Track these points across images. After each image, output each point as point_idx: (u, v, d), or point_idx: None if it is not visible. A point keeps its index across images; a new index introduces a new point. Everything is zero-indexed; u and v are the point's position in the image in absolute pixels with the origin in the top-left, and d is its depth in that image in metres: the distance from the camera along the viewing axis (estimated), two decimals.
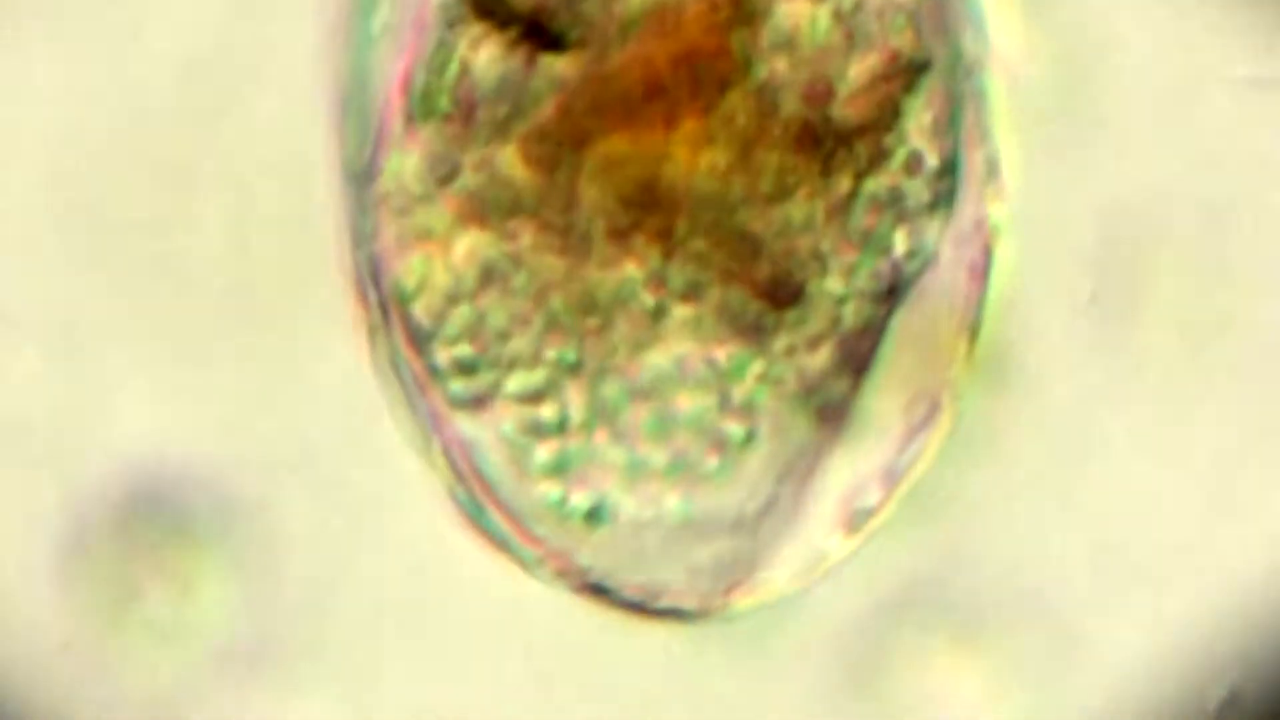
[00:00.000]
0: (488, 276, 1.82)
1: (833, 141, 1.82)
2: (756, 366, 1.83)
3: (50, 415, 1.87)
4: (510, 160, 1.82)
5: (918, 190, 1.84)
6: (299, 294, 1.87)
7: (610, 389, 1.83)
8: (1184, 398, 1.87)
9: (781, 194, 1.82)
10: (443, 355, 1.84)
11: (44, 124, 1.88)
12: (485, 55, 1.82)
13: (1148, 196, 1.87)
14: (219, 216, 1.87)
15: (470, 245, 1.82)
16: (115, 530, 1.88)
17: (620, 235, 1.81)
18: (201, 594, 1.88)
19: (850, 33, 1.82)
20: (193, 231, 1.87)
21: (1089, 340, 1.87)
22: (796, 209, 1.82)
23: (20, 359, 1.88)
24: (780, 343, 1.83)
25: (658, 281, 1.82)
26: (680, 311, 1.82)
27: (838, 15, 1.82)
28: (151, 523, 1.88)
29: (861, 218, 1.83)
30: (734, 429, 1.84)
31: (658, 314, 1.82)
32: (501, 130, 1.81)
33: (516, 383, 1.84)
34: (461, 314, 1.83)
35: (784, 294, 1.83)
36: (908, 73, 1.83)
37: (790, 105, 1.81)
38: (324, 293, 1.86)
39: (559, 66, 1.81)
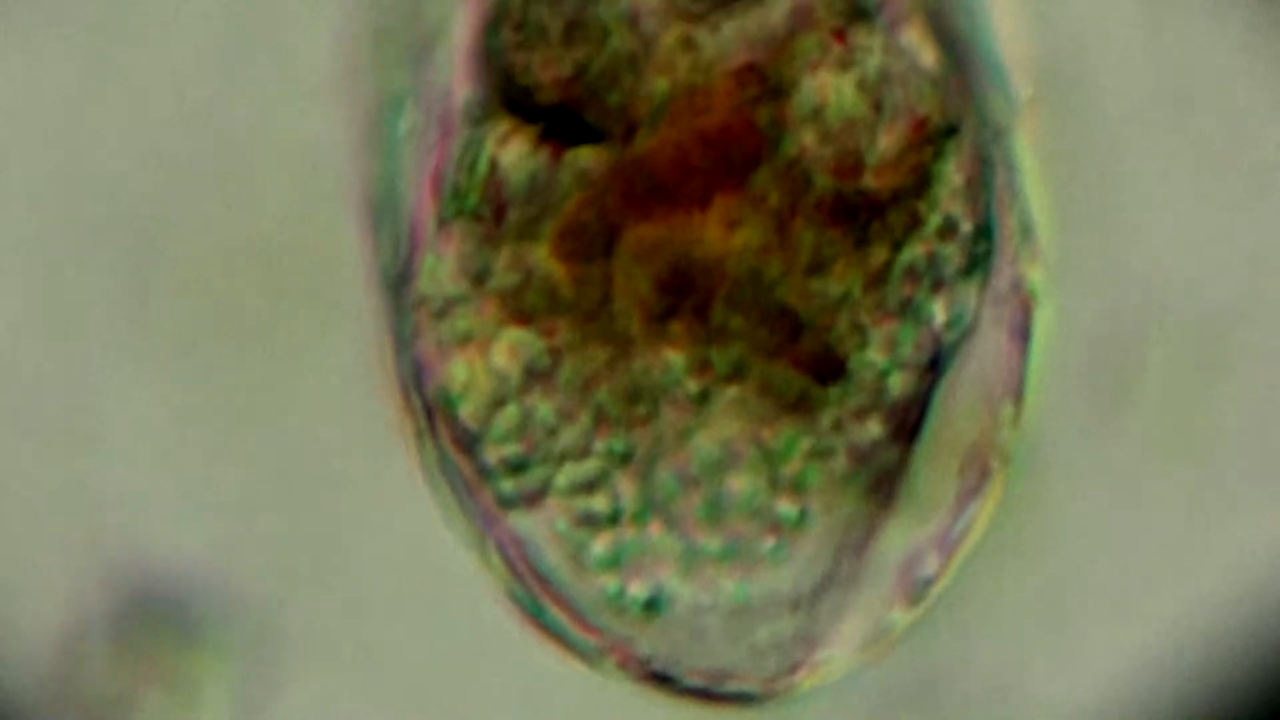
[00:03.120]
0: (531, 374, 1.82)
1: (866, 213, 1.82)
2: (804, 444, 1.83)
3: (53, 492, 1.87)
4: (543, 256, 1.81)
5: (953, 256, 1.83)
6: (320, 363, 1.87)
7: (661, 477, 1.83)
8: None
9: (818, 268, 1.81)
10: (491, 456, 1.83)
11: (44, 124, 1.88)
12: (513, 152, 1.82)
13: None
14: (222, 225, 1.87)
15: (511, 344, 1.82)
16: (112, 632, 1.87)
17: (658, 322, 1.81)
18: None
19: (877, 102, 1.82)
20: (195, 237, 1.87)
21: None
22: (834, 283, 1.81)
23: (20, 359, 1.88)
24: (826, 418, 1.83)
25: (701, 366, 1.81)
26: (725, 394, 1.82)
27: (863, 86, 1.82)
28: (159, 627, 1.87)
29: (899, 287, 1.83)
30: (786, 508, 1.83)
31: (703, 398, 1.82)
32: (532, 227, 1.81)
33: (567, 476, 1.83)
34: (508, 414, 1.82)
35: (827, 369, 1.82)
36: (936, 139, 1.83)
37: (821, 178, 1.81)
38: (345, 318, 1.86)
39: (586, 159, 1.81)
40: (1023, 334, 1.86)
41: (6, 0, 1.89)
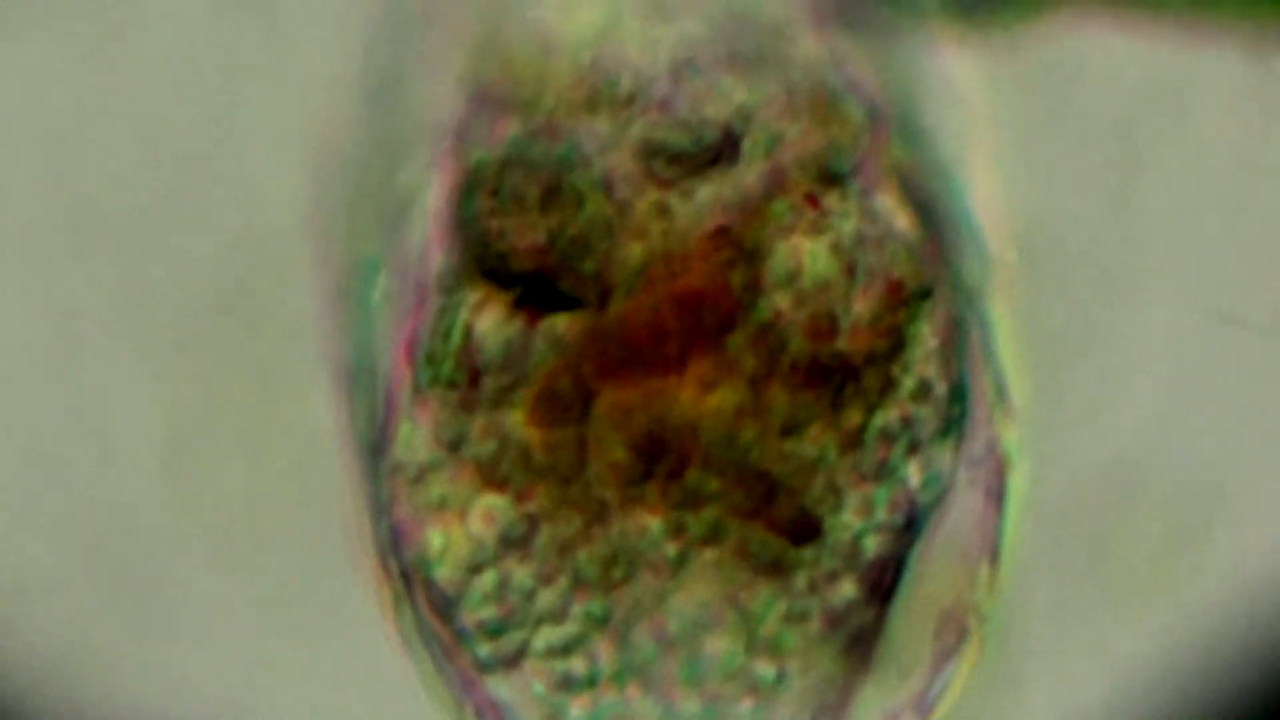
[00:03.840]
0: (507, 540, 1.82)
1: (840, 375, 1.82)
2: (781, 605, 1.83)
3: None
4: (518, 423, 1.82)
5: (928, 419, 1.84)
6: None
7: (639, 639, 1.83)
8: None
9: (793, 431, 1.82)
10: (468, 620, 1.84)
11: (44, 124, 1.88)
12: (488, 319, 1.82)
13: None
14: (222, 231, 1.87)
15: (487, 510, 1.82)
16: None
17: (634, 486, 1.81)
18: None
19: (851, 267, 1.82)
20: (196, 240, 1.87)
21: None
22: (809, 445, 1.82)
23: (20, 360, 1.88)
24: (801, 579, 1.83)
25: (677, 529, 1.82)
26: (702, 557, 1.82)
27: (837, 249, 1.82)
28: None
29: (874, 450, 1.83)
30: (764, 670, 1.84)
31: (680, 561, 1.82)
32: (507, 394, 1.82)
33: (544, 639, 1.84)
34: (485, 579, 1.83)
35: (802, 531, 1.83)
36: (911, 302, 1.83)
37: (796, 341, 1.82)
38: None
39: (561, 326, 1.82)
40: (998, 496, 1.87)
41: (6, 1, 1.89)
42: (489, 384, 1.82)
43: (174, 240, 1.87)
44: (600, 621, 1.83)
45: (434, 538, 1.83)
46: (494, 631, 1.84)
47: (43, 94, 1.88)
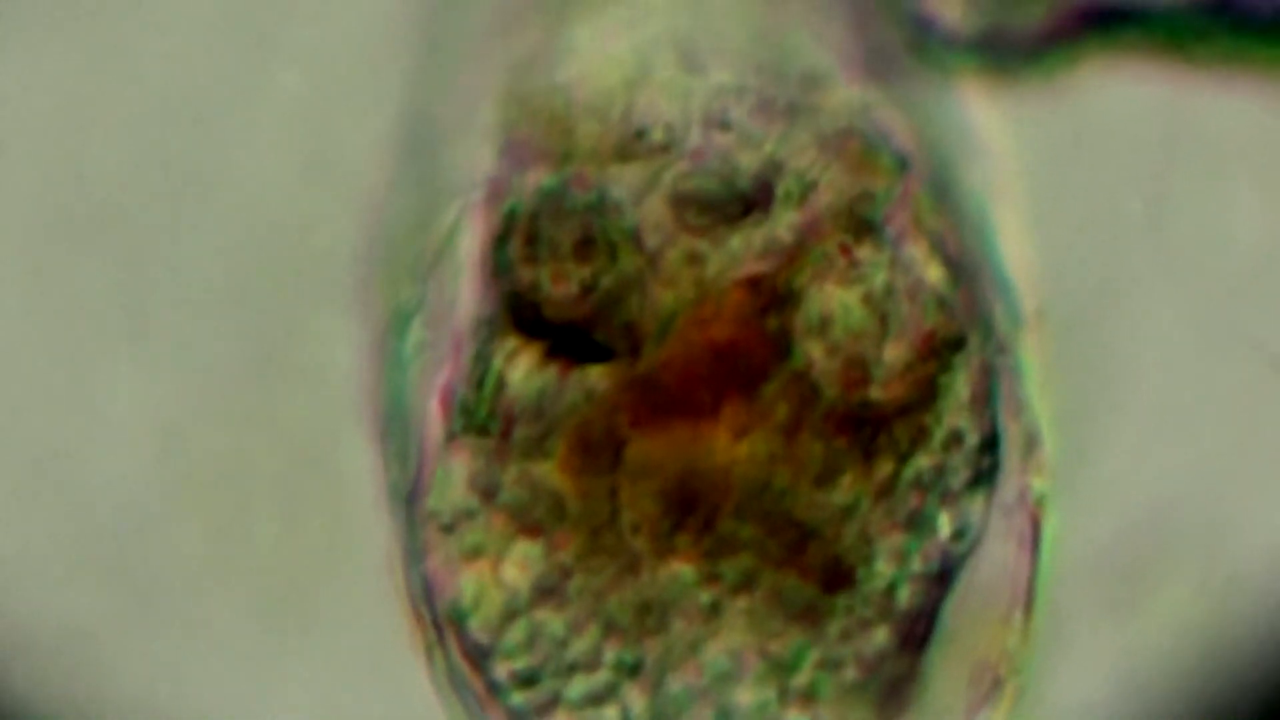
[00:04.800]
0: (541, 588, 1.82)
1: (873, 425, 1.83)
2: (814, 654, 1.83)
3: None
4: (551, 471, 1.82)
5: (960, 468, 1.84)
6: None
7: (672, 688, 1.83)
8: None
9: (826, 479, 1.82)
10: (502, 670, 1.84)
11: (43, 123, 1.88)
12: (521, 368, 1.83)
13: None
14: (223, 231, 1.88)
15: (521, 557, 1.83)
16: None
17: (667, 534, 1.82)
18: None
19: (883, 317, 1.83)
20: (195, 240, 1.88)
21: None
22: (842, 494, 1.82)
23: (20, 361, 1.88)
24: (834, 628, 1.83)
25: (710, 576, 1.82)
26: (735, 605, 1.82)
27: (869, 300, 1.83)
28: None
29: (906, 499, 1.83)
30: (797, 719, 1.84)
31: (713, 610, 1.82)
32: (540, 443, 1.82)
33: (577, 689, 1.84)
34: (518, 628, 1.83)
35: (835, 579, 1.83)
36: (943, 352, 1.84)
37: (829, 390, 1.82)
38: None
39: (594, 376, 1.82)
40: (1031, 544, 1.87)
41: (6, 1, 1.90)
42: (521, 432, 1.82)
43: (174, 240, 1.88)
44: (633, 670, 1.83)
45: (468, 585, 1.83)
46: (527, 681, 1.84)
47: (42, 94, 1.88)
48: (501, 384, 1.83)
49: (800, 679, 1.83)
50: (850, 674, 1.83)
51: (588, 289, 1.82)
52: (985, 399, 1.85)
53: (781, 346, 1.83)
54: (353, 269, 1.88)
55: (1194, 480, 1.88)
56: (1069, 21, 1.88)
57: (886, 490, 1.83)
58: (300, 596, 1.88)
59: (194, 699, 1.86)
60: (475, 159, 1.86)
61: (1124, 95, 1.89)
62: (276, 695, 1.88)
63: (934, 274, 1.85)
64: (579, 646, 1.83)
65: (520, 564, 1.83)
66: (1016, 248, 1.87)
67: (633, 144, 1.84)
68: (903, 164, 1.85)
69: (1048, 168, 1.88)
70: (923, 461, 1.84)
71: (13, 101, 1.89)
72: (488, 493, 1.83)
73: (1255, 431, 1.88)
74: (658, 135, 1.84)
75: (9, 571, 1.88)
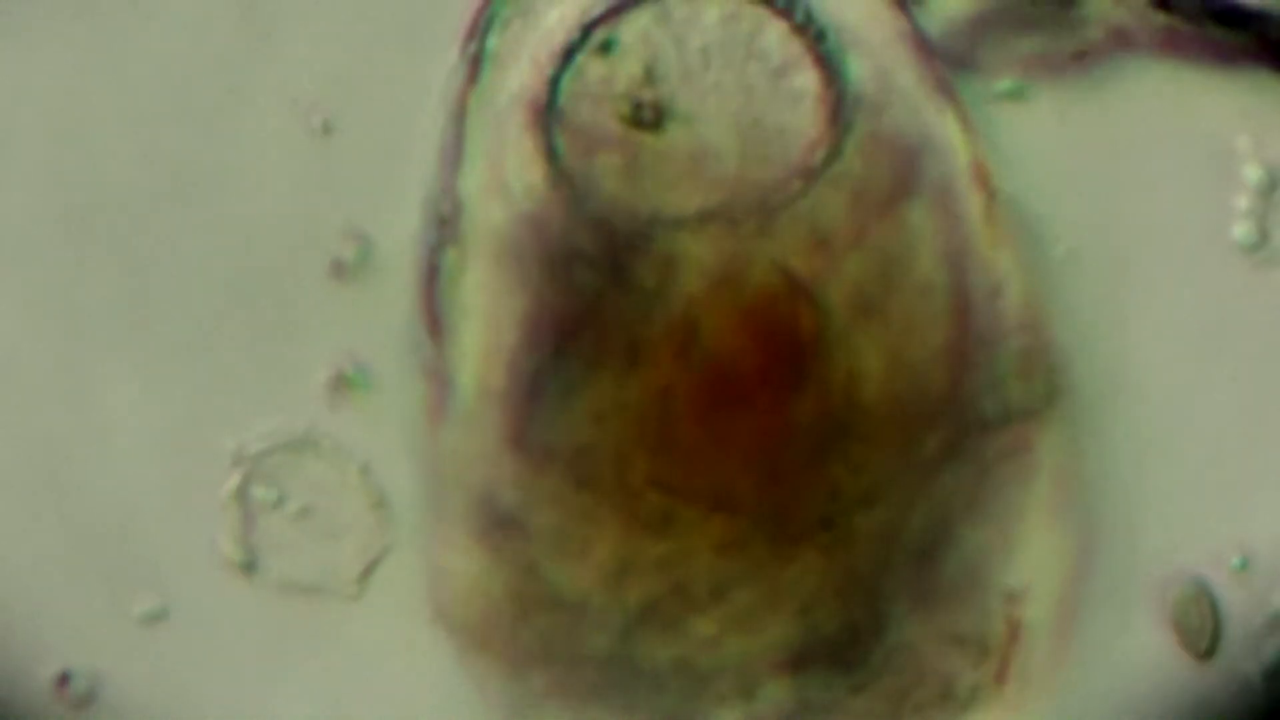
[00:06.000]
0: None
1: None
2: None
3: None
4: None
5: None
6: None
7: None
8: None
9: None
10: None
11: (43, 123, 1.86)
12: None
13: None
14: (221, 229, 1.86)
15: None
16: None
17: None
18: None
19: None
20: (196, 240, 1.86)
21: None
22: None
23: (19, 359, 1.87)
24: None
25: None
26: None
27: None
28: None
29: None
30: None
31: None
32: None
33: None
34: None
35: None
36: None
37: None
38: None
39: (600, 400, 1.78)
40: None
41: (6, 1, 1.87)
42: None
43: (174, 241, 1.86)
44: None
45: None
46: None
47: (42, 94, 1.86)
48: None
49: None
50: None
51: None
52: None
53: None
54: (353, 269, 1.84)
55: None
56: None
57: None
58: (305, 596, 1.87)
59: (195, 698, 1.88)
60: None
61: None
62: (281, 701, 1.88)
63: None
64: None
65: None
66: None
67: None
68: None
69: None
70: None
71: (13, 101, 1.86)
72: None
73: None
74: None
75: (9, 571, 1.87)
